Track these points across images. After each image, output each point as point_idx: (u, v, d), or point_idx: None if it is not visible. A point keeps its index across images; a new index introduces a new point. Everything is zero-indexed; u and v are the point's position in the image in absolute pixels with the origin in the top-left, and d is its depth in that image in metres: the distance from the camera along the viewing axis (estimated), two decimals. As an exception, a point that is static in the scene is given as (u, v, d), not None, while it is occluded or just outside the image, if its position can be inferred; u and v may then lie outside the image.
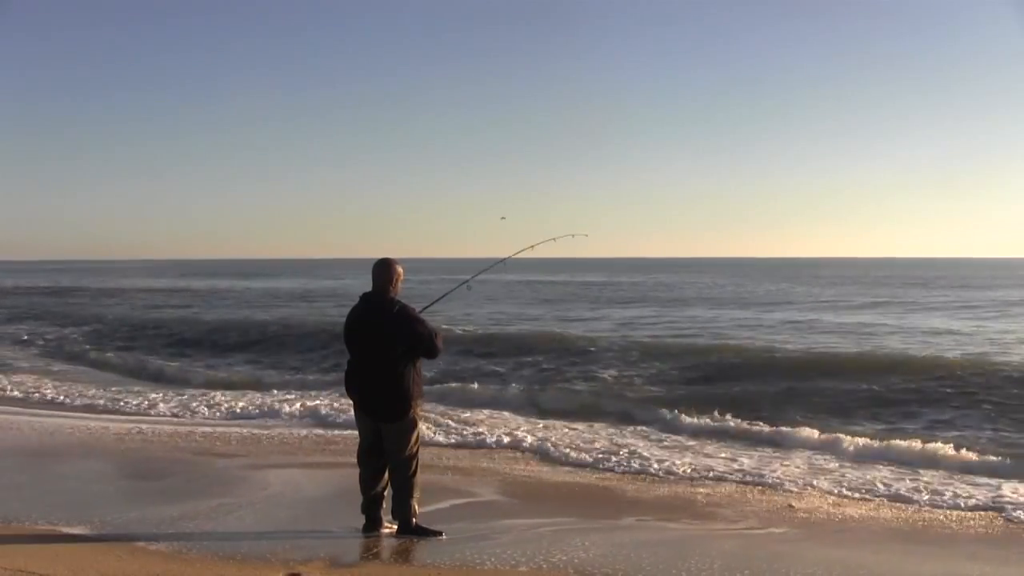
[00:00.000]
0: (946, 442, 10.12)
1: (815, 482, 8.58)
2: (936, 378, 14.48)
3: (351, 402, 6.60)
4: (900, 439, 10.39)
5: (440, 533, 6.43)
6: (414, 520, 6.43)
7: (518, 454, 9.86)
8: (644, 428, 11.53)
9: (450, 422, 11.45)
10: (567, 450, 9.82)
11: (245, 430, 11.12)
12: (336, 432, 10.98)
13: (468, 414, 12.16)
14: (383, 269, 6.41)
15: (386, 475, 6.48)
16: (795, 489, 8.31)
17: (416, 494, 6.47)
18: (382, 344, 6.29)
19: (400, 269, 6.47)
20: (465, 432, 10.88)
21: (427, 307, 6.87)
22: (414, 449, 6.44)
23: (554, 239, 9.06)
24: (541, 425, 11.50)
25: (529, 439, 10.37)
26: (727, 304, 37.84)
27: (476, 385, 14.80)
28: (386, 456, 6.43)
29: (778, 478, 8.70)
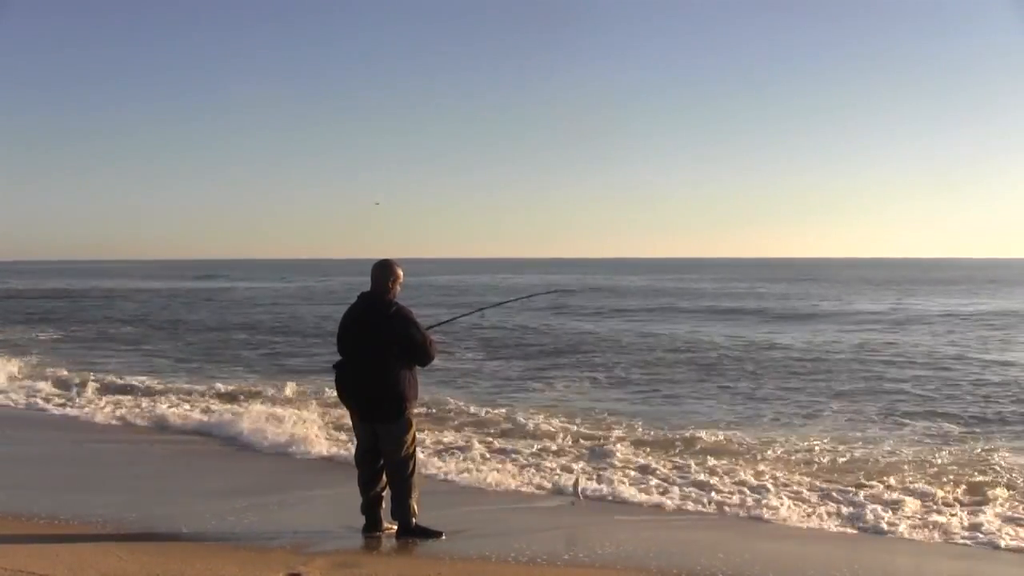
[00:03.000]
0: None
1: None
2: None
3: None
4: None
5: (440, 534, 6.41)
6: (414, 520, 6.41)
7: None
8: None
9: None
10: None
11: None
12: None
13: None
14: (381, 269, 6.40)
15: (385, 476, 6.47)
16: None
17: (415, 494, 6.44)
18: (377, 344, 6.25)
19: (400, 271, 6.44)
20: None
21: (433, 327, 6.81)
22: (410, 450, 6.40)
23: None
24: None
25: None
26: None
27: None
28: (383, 457, 6.42)
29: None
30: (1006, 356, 19.75)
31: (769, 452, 9.74)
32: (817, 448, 9.92)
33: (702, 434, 10.60)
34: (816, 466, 9.13)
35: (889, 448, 10.04)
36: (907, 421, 11.88)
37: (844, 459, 9.45)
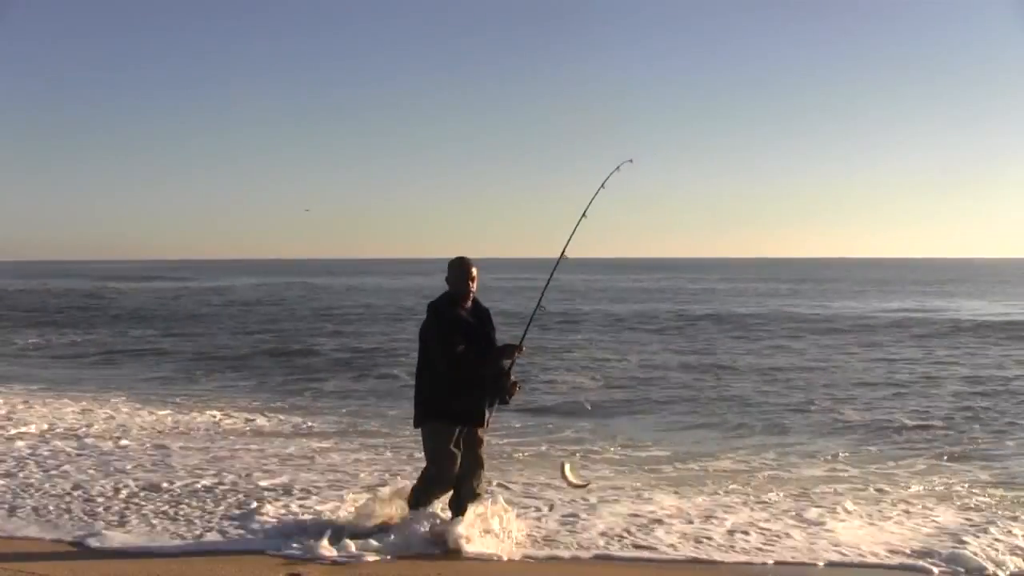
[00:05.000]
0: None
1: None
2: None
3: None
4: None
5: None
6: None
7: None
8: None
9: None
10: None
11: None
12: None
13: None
14: (448, 267, 6.13)
15: (465, 476, 6.18)
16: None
17: (424, 502, 6.20)
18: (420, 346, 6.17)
19: (463, 267, 6.04)
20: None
21: (521, 341, 6.15)
22: (430, 462, 6.14)
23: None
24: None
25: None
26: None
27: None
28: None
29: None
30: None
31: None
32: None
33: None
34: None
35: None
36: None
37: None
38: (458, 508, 6.17)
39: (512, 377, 6.07)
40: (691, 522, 6.84)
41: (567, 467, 6.25)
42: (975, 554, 6.12)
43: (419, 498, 6.27)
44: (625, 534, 6.50)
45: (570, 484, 6.30)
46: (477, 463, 6.19)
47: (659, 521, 6.85)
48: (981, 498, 7.81)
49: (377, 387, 15.59)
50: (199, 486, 7.83)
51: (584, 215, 6.61)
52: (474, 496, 6.19)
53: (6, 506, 7.14)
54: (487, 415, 6.08)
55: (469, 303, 6.12)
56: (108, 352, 21.90)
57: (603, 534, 6.50)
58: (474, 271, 6.07)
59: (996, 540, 6.49)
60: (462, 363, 5.91)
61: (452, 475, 6.12)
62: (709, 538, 6.46)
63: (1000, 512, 7.31)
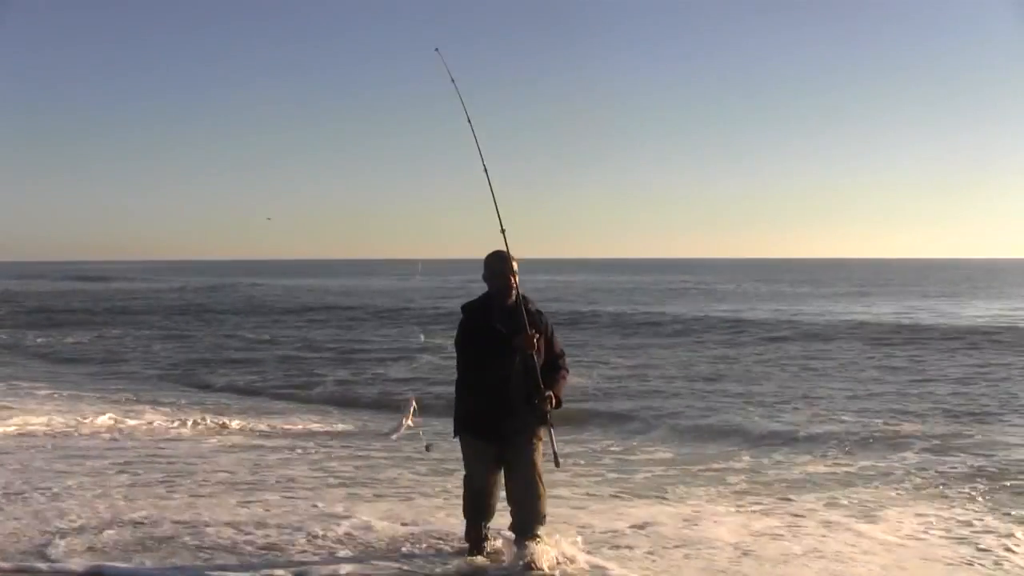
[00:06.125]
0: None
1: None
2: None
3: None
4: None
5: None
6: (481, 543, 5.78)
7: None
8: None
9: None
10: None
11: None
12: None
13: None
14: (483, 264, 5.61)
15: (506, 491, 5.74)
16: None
17: (467, 515, 5.83)
18: None
19: (491, 262, 5.50)
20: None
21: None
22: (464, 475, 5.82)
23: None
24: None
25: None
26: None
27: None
28: None
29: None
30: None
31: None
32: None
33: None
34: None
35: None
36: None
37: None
38: (521, 529, 5.54)
39: (545, 387, 5.36)
40: (680, 531, 6.63)
41: (414, 406, 5.82)
42: (976, 555, 6.14)
43: (464, 510, 5.88)
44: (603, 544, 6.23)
45: (409, 421, 5.78)
46: (528, 478, 5.49)
47: (640, 528, 6.66)
48: (978, 498, 7.82)
49: (369, 389, 15.52)
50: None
51: (493, 192, 5.87)
52: (534, 517, 5.52)
53: None
54: (506, 429, 5.47)
55: (510, 303, 5.44)
56: (103, 352, 22.02)
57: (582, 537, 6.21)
58: (513, 265, 5.42)
59: (997, 541, 6.48)
60: (461, 369, 5.60)
61: (474, 488, 5.66)
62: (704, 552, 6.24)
63: (996, 512, 7.33)
